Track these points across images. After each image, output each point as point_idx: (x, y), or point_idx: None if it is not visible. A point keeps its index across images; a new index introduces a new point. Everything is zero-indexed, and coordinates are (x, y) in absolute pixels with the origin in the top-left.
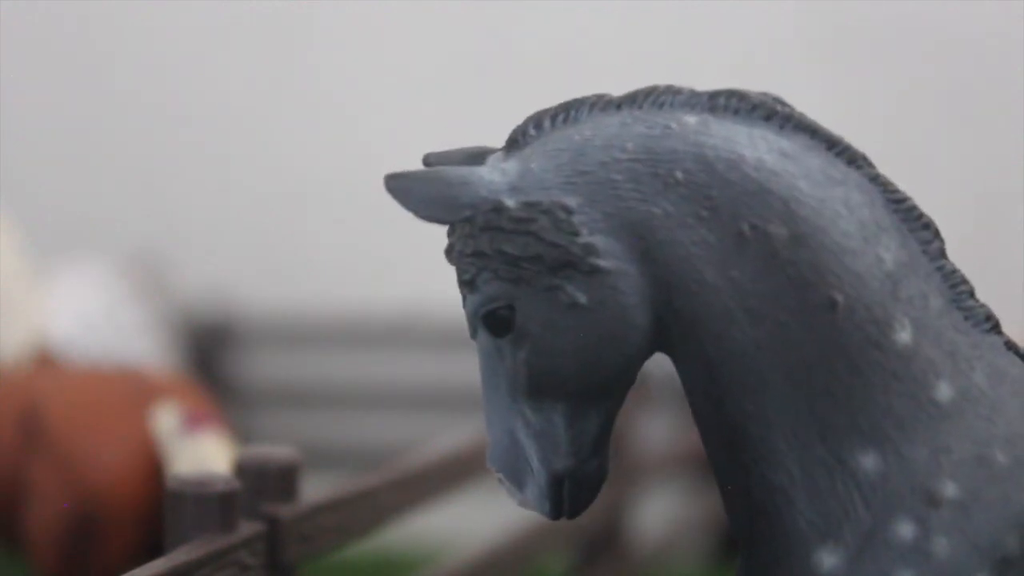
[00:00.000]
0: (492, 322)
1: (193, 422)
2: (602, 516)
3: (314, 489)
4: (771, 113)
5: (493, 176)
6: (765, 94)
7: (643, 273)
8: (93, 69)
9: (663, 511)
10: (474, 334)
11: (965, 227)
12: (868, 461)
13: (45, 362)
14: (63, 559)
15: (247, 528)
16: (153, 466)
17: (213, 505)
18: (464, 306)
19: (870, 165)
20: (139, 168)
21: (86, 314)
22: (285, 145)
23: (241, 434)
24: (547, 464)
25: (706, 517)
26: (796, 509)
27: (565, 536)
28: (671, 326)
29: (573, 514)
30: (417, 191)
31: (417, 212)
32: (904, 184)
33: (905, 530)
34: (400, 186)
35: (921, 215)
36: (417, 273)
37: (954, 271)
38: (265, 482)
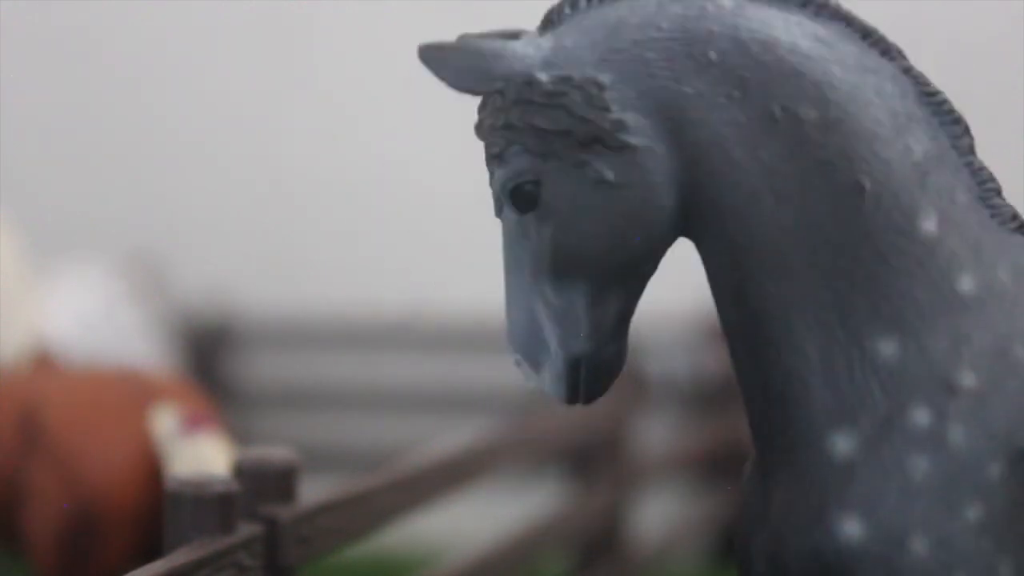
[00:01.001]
0: (518, 197)
1: (192, 423)
2: (601, 517)
3: (313, 491)
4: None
5: (527, 50)
6: None
7: (672, 153)
8: (92, 69)
9: (662, 512)
10: (499, 211)
11: None
12: (887, 347)
13: (44, 363)
14: (62, 560)
15: (246, 529)
16: (152, 467)
17: (211, 506)
18: (491, 182)
19: (904, 57)
20: (138, 169)
21: (85, 315)
22: (284, 146)
23: (240, 436)
24: (566, 346)
25: (705, 518)
26: (812, 393)
27: (564, 538)
28: (698, 208)
29: (588, 399)
30: (451, 60)
31: (450, 81)
32: None
33: (921, 417)
34: (435, 55)
35: (952, 110)
36: (416, 275)
37: (982, 168)
38: (264, 483)
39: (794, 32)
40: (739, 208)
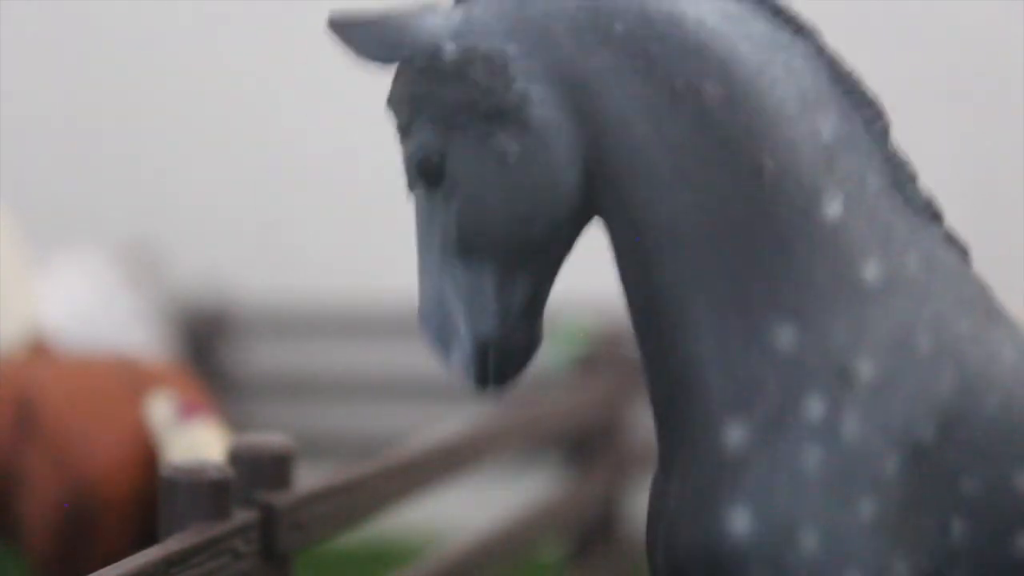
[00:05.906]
0: (425, 169)
1: (188, 411)
2: (597, 504)
3: (309, 478)
4: None
5: (436, 20)
6: None
7: (577, 127)
8: (87, 58)
9: None
10: (412, 186)
11: (964, 216)
12: (784, 334)
13: (40, 351)
14: (58, 548)
15: (241, 516)
16: (148, 455)
17: (207, 493)
18: (402, 155)
19: (817, 35)
20: (134, 157)
21: (81, 304)
22: (281, 134)
23: (236, 423)
24: (474, 328)
25: None
26: (710, 381)
27: (559, 525)
28: (601, 185)
29: (499, 383)
30: (359, 31)
31: (357, 51)
32: None
33: (816, 407)
34: (342, 25)
35: (866, 92)
36: (413, 263)
37: (897, 153)
38: (259, 470)
39: (702, 8)
40: (640, 184)
